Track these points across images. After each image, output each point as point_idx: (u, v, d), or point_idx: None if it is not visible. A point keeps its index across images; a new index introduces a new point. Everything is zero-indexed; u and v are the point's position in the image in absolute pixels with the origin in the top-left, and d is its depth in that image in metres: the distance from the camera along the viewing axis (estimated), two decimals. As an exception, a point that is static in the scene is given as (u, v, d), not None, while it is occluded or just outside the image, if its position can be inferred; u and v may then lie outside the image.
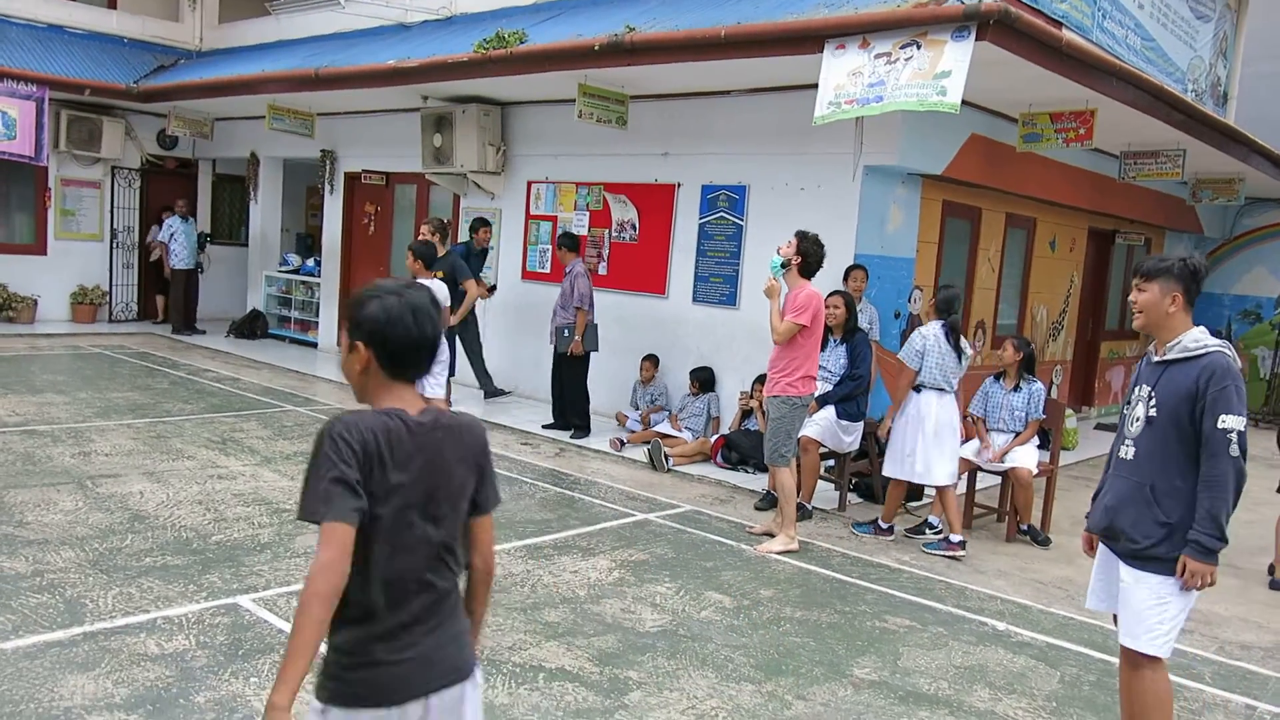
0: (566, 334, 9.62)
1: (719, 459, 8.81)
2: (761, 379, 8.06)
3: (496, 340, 11.51)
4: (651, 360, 9.86)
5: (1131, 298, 3.83)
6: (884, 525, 7.16)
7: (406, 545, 2.21)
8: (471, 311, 10.11)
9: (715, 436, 9.07)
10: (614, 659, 4.67)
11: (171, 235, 15.01)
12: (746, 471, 8.56)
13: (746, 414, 8.91)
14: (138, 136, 15.95)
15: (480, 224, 11.02)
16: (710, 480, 8.41)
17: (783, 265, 6.65)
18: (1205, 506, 3.56)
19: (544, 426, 9.95)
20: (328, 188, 14.32)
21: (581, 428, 9.72)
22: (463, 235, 11.57)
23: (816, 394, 7.42)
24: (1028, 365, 7.47)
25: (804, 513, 7.34)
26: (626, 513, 7.31)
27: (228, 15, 16.06)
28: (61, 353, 12.84)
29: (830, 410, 7.56)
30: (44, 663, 4.20)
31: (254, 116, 14.55)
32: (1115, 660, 4.78)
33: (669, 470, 8.61)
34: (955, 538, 6.81)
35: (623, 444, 9.26)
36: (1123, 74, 7.97)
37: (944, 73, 6.62)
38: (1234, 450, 3.54)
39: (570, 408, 9.81)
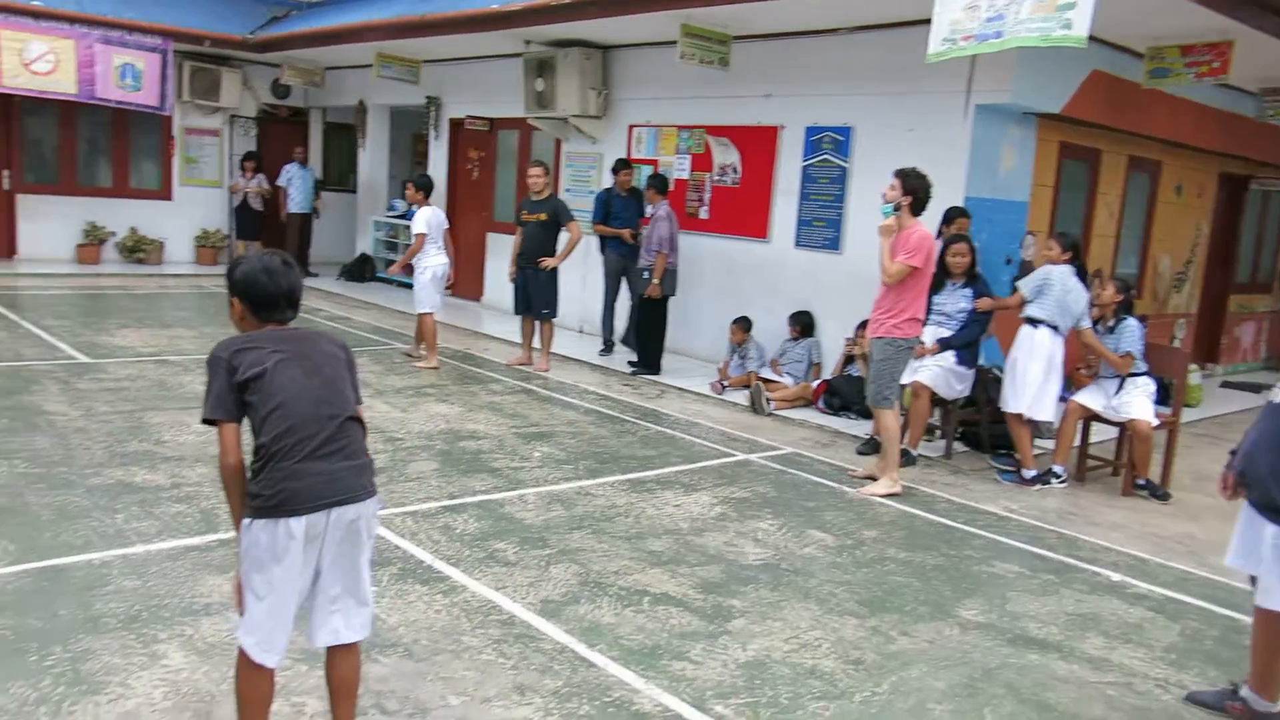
0: (646, 276, 9.68)
1: (821, 404, 8.77)
2: (864, 324, 7.99)
3: (597, 287, 11.56)
4: (741, 324, 9.54)
5: None
6: (1028, 474, 7.03)
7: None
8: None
9: (817, 382, 9.02)
10: (717, 588, 4.74)
11: (289, 181, 15.48)
12: (849, 417, 8.51)
13: (849, 360, 8.83)
14: (254, 86, 16.43)
15: (620, 166, 10.64)
16: (812, 425, 8.39)
17: (894, 208, 6.54)
18: None
19: (630, 365, 10.12)
20: (433, 133, 14.54)
21: (650, 366, 9.93)
22: (605, 180, 11.27)
23: (933, 337, 7.34)
24: (1126, 309, 7.26)
25: (908, 459, 7.27)
26: (727, 452, 7.35)
27: (338, -36, 16.32)
28: (188, 291, 13.42)
29: (950, 355, 7.42)
30: (184, 564, 4.50)
31: (362, 65, 14.83)
32: (1242, 617, 4.73)
33: (770, 414, 8.61)
34: (1029, 472, 6.99)
35: (724, 387, 9.29)
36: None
37: (1068, 4, 6.34)
38: None
39: (644, 347, 10.01)
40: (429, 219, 9.69)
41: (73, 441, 6.20)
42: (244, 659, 2.90)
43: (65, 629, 3.77)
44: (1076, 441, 7.34)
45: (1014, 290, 7.49)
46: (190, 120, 15.91)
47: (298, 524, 2.80)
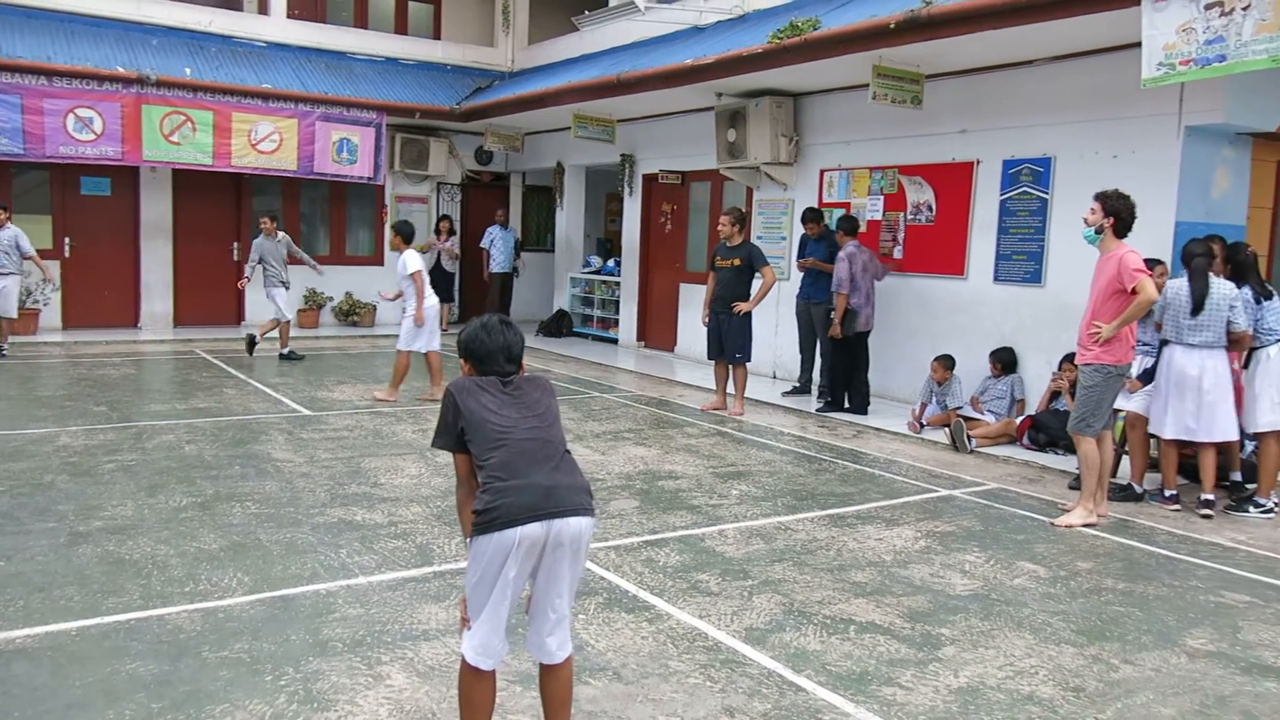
0: (830, 317, 9.68)
1: (1026, 440, 8.49)
2: (1069, 357, 7.72)
3: (790, 332, 11.60)
4: (943, 361, 9.36)
5: None
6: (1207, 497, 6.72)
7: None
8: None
9: (1021, 418, 8.74)
10: (924, 617, 4.67)
11: (492, 242, 16.29)
12: (1056, 453, 8.20)
13: (1055, 395, 8.52)
14: (458, 154, 17.42)
15: (808, 217, 10.70)
16: (1017, 461, 8.13)
17: (1096, 232, 6.35)
18: None
19: (818, 410, 10.14)
20: (627, 189, 15.03)
21: (838, 405, 10.00)
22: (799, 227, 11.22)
23: (1139, 368, 7.03)
24: (1238, 271, 6.82)
25: (1133, 495, 6.96)
26: (929, 488, 7.22)
27: (536, 36, 17.27)
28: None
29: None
30: (403, 594, 4.77)
31: (560, 129, 15.55)
32: None
33: (972, 451, 8.40)
34: (1168, 492, 6.91)
35: (922, 425, 9.12)
36: None
37: None
38: None
39: (840, 386, 10.06)
40: (421, 261, 10.07)
41: (298, 485, 6.69)
42: (465, 666, 3.13)
43: (296, 652, 4.06)
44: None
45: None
46: (400, 189, 17.02)
47: (515, 534, 2.99)
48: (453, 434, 3.17)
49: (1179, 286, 6.70)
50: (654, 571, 5.20)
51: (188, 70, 14.13)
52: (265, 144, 14.60)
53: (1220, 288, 6.65)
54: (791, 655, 4.18)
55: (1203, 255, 6.73)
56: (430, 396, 10.10)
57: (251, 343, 12.88)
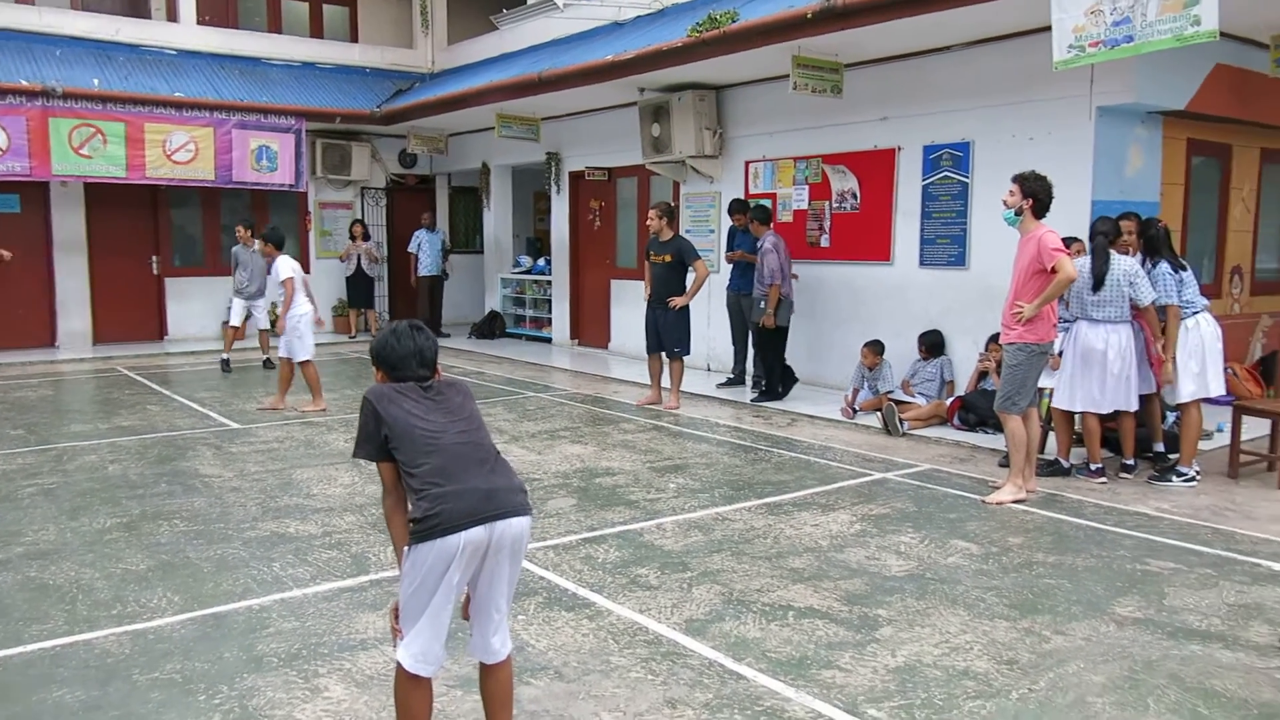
0: (762, 306, 9.81)
1: (956, 421, 8.63)
2: (995, 337, 7.87)
3: (722, 324, 11.66)
4: (873, 347, 9.48)
5: None
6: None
7: None
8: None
9: (951, 399, 8.89)
10: (861, 599, 4.72)
11: (419, 245, 16.13)
12: (986, 432, 8.34)
13: (983, 375, 8.67)
14: (381, 158, 17.23)
15: (734, 208, 10.78)
16: (948, 441, 8.26)
17: (1016, 214, 6.46)
18: None
19: (753, 400, 10.19)
20: (554, 188, 14.97)
21: (772, 394, 10.08)
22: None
23: (1059, 346, 7.18)
24: (1151, 246, 7.04)
25: (1060, 470, 7.12)
26: (863, 472, 7.30)
27: (456, 37, 17.13)
28: (327, 359, 13.97)
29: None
30: (339, 604, 4.69)
31: (483, 129, 15.44)
32: None
33: (904, 434, 8.51)
34: (1093, 466, 7.03)
35: (855, 411, 9.23)
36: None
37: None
38: None
39: (769, 374, 10.14)
40: (295, 267, 9.77)
41: (228, 500, 6.55)
42: (402, 674, 3.08)
43: (230, 670, 3.97)
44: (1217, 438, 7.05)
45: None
46: (323, 195, 16.78)
47: (459, 539, 2.96)
48: (376, 442, 3.10)
49: (1082, 265, 6.85)
50: (593, 568, 5.18)
51: (95, 81, 13.73)
52: (180, 154, 14.27)
53: (1120, 264, 6.82)
54: (732, 644, 4.20)
55: (1103, 234, 6.91)
56: (314, 408, 9.80)
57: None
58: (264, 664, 4.01)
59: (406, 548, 3.03)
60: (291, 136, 15.18)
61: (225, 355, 12.88)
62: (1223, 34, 8.18)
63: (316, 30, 17.09)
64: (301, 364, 9.74)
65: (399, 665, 3.06)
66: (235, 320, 12.75)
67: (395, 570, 5.02)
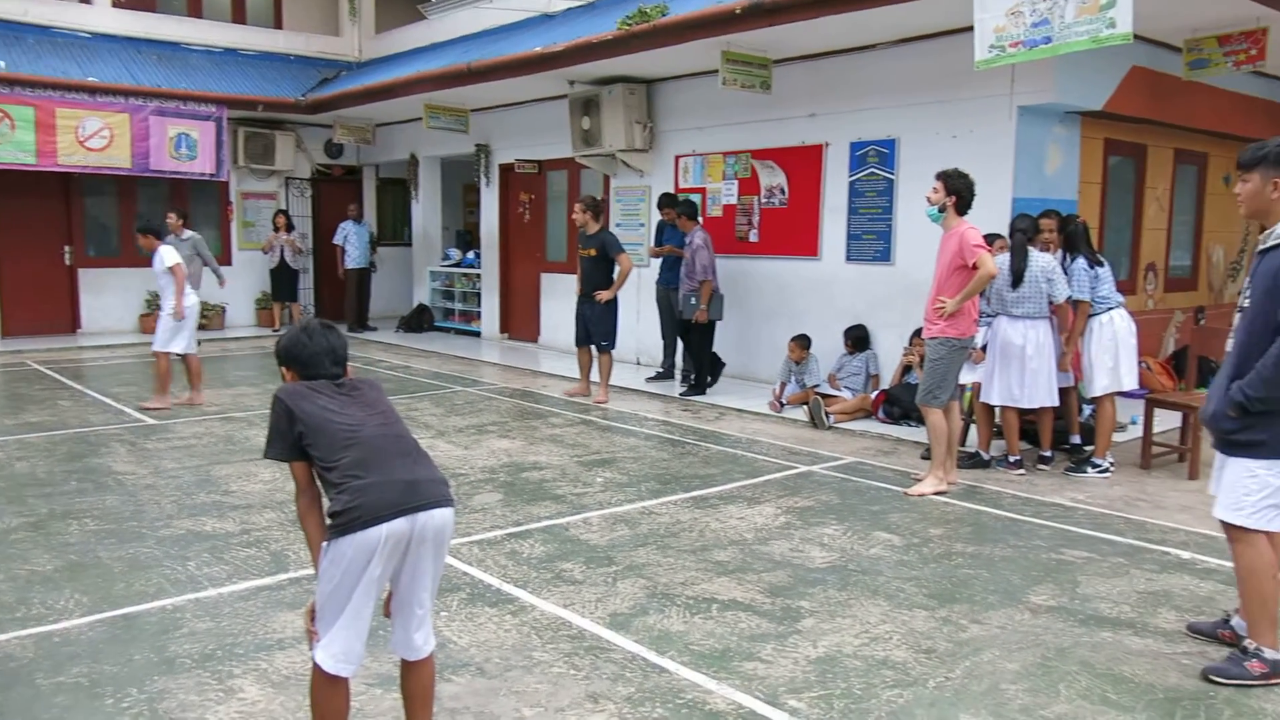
0: (694, 302, 9.83)
1: (881, 414, 8.74)
2: (919, 332, 7.97)
3: (652, 319, 11.67)
4: (800, 341, 9.53)
5: (1235, 189, 3.78)
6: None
7: None
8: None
9: (876, 392, 9.00)
10: (785, 591, 4.75)
11: (345, 238, 15.86)
12: (910, 425, 8.47)
13: (907, 369, 8.80)
14: (307, 148, 16.90)
15: (663, 202, 10.78)
16: (873, 435, 8.36)
17: (940, 211, 6.55)
18: (1250, 374, 3.65)
19: (682, 394, 10.20)
20: (484, 180, 14.84)
21: (700, 388, 10.09)
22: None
23: (982, 340, 7.30)
24: (1070, 242, 7.22)
25: (980, 462, 7.25)
26: (789, 466, 7.36)
27: (384, 25, 16.88)
28: (250, 353, 13.76)
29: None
30: (255, 603, 4.59)
31: (412, 120, 15.23)
32: None
33: (830, 427, 8.60)
34: (1012, 458, 7.14)
35: (782, 405, 9.30)
36: (1297, -16, 7.50)
37: (1109, 2, 6.42)
38: None
39: (699, 368, 10.16)
40: (178, 254, 9.53)
41: (142, 498, 6.36)
42: (319, 675, 3.00)
43: (140, 672, 3.85)
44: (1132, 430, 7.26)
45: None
46: (246, 185, 16.41)
47: (380, 531, 2.89)
48: (288, 440, 3.02)
49: (1001, 262, 6.97)
50: (518, 564, 5.14)
51: (1, 63, 13.23)
52: (94, 140, 13.84)
53: (1038, 261, 6.96)
54: (655, 638, 4.19)
55: (1021, 231, 7.05)
56: (188, 402, 9.59)
57: None
58: (176, 665, 3.91)
59: (325, 544, 2.96)
60: (212, 124, 14.81)
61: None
62: (1138, 37, 8.44)
63: (239, 15, 16.69)
64: (185, 356, 9.52)
65: (316, 666, 2.98)
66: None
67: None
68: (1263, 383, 3.61)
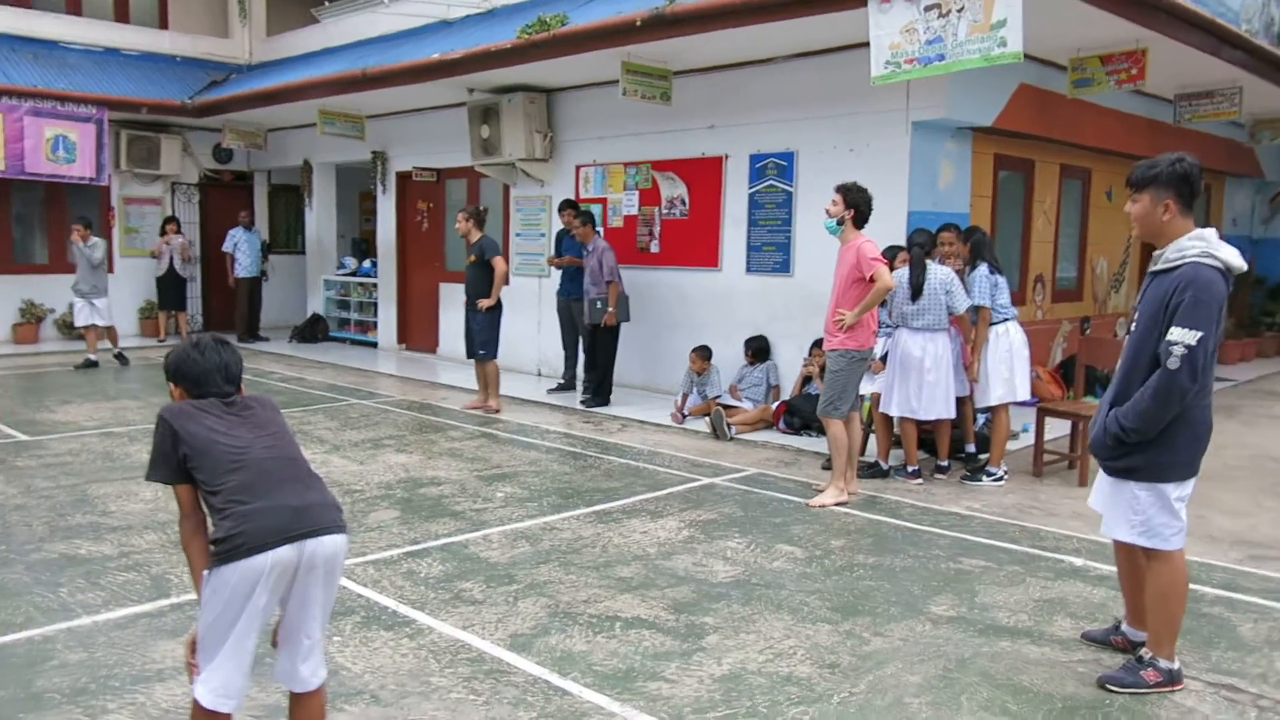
0: (600, 305, 9.79)
1: (781, 425, 8.79)
2: (818, 343, 8.05)
3: (553, 329, 11.55)
4: (700, 353, 9.51)
5: (1126, 208, 3.81)
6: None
7: None
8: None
9: (777, 404, 9.05)
10: (689, 607, 4.70)
11: (235, 245, 15.35)
12: (810, 435, 8.54)
13: (807, 380, 8.87)
14: (194, 152, 16.33)
15: (563, 206, 10.74)
16: (774, 445, 8.40)
17: (838, 224, 6.61)
18: (1129, 403, 3.70)
19: (582, 402, 10.15)
20: (380, 188, 14.54)
21: (603, 397, 10.05)
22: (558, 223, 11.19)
23: (881, 351, 7.39)
24: (976, 250, 7.39)
25: (880, 471, 7.33)
26: (692, 478, 7.33)
27: (276, 28, 16.42)
28: (133, 364, 13.18)
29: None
30: (134, 632, 4.34)
31: (305, 125, 14.85)
32: (1198, 588, 4.91)
33: (732, 438, 8.61)
34: (910, 468, 7.29)
35: (684, 416, 9.28)
36: (1174, 9, 7.80)
37: (999, 22, 6.58)
38: (1172, 363, 3.55)
39: (603, 377, 10.11)
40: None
41: (10, 519, 6.00)
42: (199, 712, 2.84)
43: (3, 710, 3.61)
44: (1026, 438, 7.44)
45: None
46: (129, 190, 15.77)
47: (265, 559, 2.76)
48: (172, 463, 2.87)
49: (900, 275, 7.08)
50: (415, 584, 4.99)
51: None
52: (-36, 141, 13.13)
53: (937, 274, 7.09)
54: (557, 659, 4.10)
55: (919, 245, 7.18)
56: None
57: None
58: (44, 701, 3.67)
59: (206, 572, 2.80)
60: (92, 126, 14.19)
61: (91, 355, 12.63)
62: (1026, 56, 8.66)
63: (121, 14, 16.01)
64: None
65: (195, 701, 2.82)
66: (81, 321, 12.59)
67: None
68: (1138, 415, 3.66)
